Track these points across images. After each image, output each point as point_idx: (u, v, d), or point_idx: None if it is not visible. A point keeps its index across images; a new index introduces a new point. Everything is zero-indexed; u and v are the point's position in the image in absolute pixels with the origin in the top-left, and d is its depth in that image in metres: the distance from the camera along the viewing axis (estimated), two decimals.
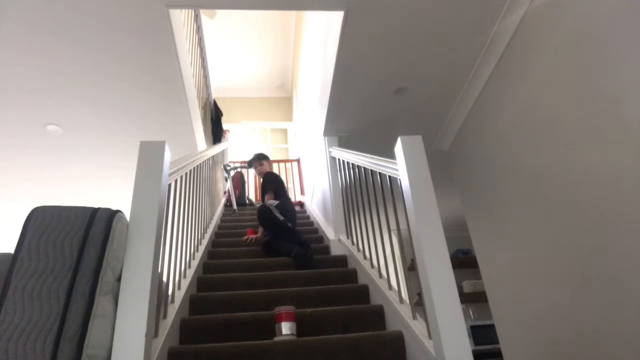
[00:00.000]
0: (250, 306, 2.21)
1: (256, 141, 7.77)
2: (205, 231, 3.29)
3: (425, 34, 2.63)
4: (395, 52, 2.75)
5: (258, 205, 4.03)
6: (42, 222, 1.31)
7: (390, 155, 1.92)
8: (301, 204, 5.54)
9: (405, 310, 1.84)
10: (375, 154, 2.24)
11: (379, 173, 2.18)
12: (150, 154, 1.58)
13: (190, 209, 2.51)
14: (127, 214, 1.46)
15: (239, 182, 5.54)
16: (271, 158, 7.47)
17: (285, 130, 8.05)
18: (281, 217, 3.21)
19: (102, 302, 1.24)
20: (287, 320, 1.87)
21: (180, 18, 3.02)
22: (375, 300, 2.26)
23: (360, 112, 3.32)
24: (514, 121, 2.60)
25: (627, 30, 1.77)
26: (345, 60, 2.80)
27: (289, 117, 7.58)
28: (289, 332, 1.85)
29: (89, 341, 1.17)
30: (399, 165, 1.78)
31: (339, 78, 2.95)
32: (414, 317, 1.77)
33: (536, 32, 2.35)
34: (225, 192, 5.33)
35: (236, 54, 6.72)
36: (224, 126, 5.49)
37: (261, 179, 3.76)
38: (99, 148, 3.77)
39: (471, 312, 4.85)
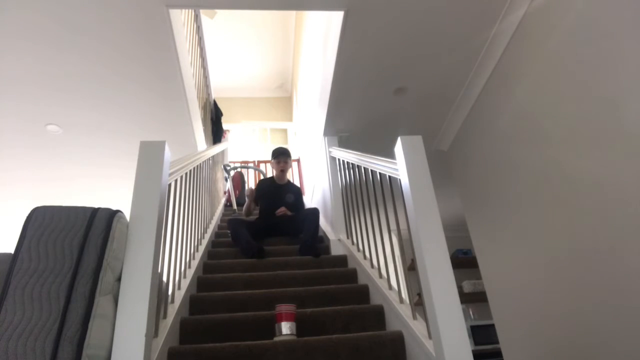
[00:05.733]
0: (250, 306, 2.21)
1: (256, 141, 7.77)
2: (205, 231, 3.29)
3: (425, 34, 2.63)
4: (395, 52, 2.75)
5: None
6: (42, 222, 1.31)
7: (390, 155, 1.92)
8: None
9: (405, 310, 1.84)
10: (375, 154, 2.24)
11: (379, 173, 2.18)
12: (150, 154, 1.58)
13: (190, 209, 2.51)
14: (127, 214, 1.46)
15: (239, 182, 5.54)
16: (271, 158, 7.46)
17: (285, 130, 8.05)
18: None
19: (102, 302, 1.24)
20: (287, 320, 1.87)
21: (180, 18, 3.02)
22: (375, 300, 2.26)
23: (360, 112, 3.32)
24: (514, 121, 2.60)
25: (627, 30, 1.77)
26: (345, 60, 2.80)
27: (289, 117, 7.58)
28: (289, 332, 1.85)
29: (89, 341, 1.17)
30: (399, 165, 1.78)
31: (339, 78, 2.95)
32: (414, 317, 1.77)
33: (536, 32, 2.35)
34: (225, 192, 5.34)
35: (236, 53, 6.72)
36: (224, 126, 5.50)
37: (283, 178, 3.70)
38: (99, 148, 3.77)
39: (471, 312, 4.86)
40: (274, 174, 3.72)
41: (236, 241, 3.15)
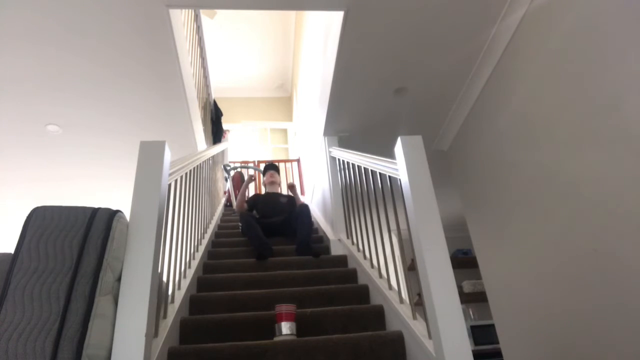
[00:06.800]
0: (250, 306, 2.21)
1: (256, 141, 7.77)
2: (205, 231, 3.29)
3: (426, 34, 2.63)
4: (395, 52, 2.76)
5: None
6: (42, 222, 1.31)
7: (390, 155, 1.92)
8: None
9: (405, 310, 1.84)
10: (375, 154, 2.24)
11: (379, 173, 2.18)
12: (150, 154, 1.58)
13: (190, 209, 2.51)
14: (127, 214, 1.46)
15: (239, 182, 5.54)
16: (271, 158, 7.52)
17: (285, 130, 8.06)
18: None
19: (102, 302, 1.24)
20: (287, 320, 1.87)
21: (180, 18, 3.02)
22: (375, 300, 2.26)
23: (360, 112, 3.33)
24: (514, 121, 2.60)
25: (627, 30, 1.77)
26: (345, 60, 2.80)
27: (289, 117, 7.58)
28: (289, 332, 1.85)
29: (89, 341, 1.17)
30: (399, 165, 1.78)
31: (339, 78, 2.95)
32: (414, 317, 1.77)
33: (536, 32, 2.35)
34: (225, 192, 5.34)
35: (236, 53, 6.72)
36: (224, 126, 5.50)
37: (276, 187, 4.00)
38: (99, 148, 3.77)
39: (471, 312, 4.86)
40: (266, 188, 4.03)
41: (248, 235, 3.23)
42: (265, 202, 3.76)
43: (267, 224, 3.49)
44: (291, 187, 3.94)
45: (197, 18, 4.04)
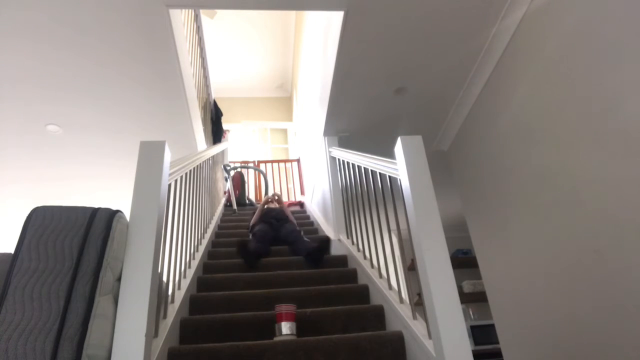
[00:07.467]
0: (250, 306, 2.21)
1: (256, 141, 7.77)
2: (205, 231, 3.29)
3: (426, 34, 2.63)
4: (395, 52, 2.76)
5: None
6: (42, 222, 1.31)
7: (390, 155, 1.92)
8: (301, 204, 5.56)
9: (405, 310, 1.84)
10: (375, 154, 2.24)
11: (379, 173, 2.18)
12: (150, 154, 1.58)
13: (190, 209, 2.51)
14: (127, 214, 1.46)
15: (239, 182, 5.54)
16: (271, 158, 7.53)
17: (285, 130, 8.05)
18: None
19: (102, 302, 1.24)
20: (287, 320, 1.87)
21: (180, 18, 3.02)
22: (375, 300, 2.26)
23: (360, 112, 3.33)
24: (514, 121, 2.60)
25: (627, 30, 1.77)
26: (345, 60, 2.80)
27: (289, 117, 7.58)
28: (289, 332, 1.85)
29: (89, 341, 1.17)
30: (399, 165, 1.78)
31: (339, 78, 2.95)
32: (414, 317, 1.77)
33: (536, 32, 2.35)
34: (225, 192, 5.34)
35: (236, 53, 6.72)
36: (224, 126, 5.50)
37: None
38: (99, 148, 3.77)
39: (471, 312, 4.86)
40: None
41: (253, 232, 3.41)
42: (267, 213, 3.96)
43: (267, 210, 3.75)
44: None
45: (197, 18, 4.04)
